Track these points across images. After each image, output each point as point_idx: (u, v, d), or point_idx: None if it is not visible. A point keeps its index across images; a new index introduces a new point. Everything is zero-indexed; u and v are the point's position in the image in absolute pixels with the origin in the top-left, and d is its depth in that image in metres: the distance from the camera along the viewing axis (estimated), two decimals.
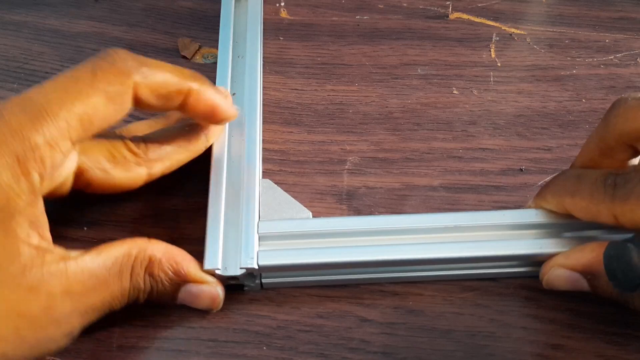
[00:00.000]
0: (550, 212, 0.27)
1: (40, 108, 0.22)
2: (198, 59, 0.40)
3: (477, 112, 0.36)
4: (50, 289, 0.22)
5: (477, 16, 0.42)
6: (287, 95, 0.37)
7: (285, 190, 0.29)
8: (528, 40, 0.40)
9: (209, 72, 0.38)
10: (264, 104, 0.36)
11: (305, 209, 0.29)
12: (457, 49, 0.40)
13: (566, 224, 0.27)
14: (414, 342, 0.26)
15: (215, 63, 0.36)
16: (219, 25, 0.38)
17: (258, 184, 0.29)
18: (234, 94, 0.33)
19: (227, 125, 0.31)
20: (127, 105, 0.24)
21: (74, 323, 0.23)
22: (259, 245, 0.27)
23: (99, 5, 0.43)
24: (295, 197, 0.29)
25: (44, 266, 0.22)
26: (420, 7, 0.43)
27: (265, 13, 0.42)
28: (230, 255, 0.26)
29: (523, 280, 0.28)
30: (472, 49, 0.40)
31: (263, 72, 0.37)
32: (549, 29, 0.41)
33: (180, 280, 0.25)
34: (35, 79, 0.38)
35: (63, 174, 0.24)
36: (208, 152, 0.30)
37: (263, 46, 0.38)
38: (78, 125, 0.22)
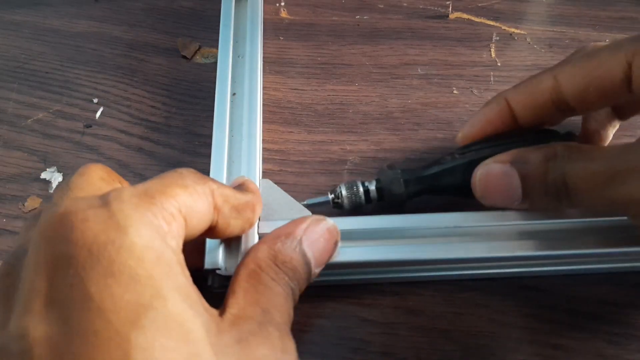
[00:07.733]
0: (548, 213, 0.27)
1: (154, 191, 0.21)
2: (198, 59, 0.40)
3: None
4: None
5: (477, 16, 0.42)
6: (287, 95, 0.37)
7: (285, 190, 0.29)
8: (528, 40, 0.40)
9: (209, 72, 0.38)
10: (264, 104, 0.36)
11: (306, 209, 0.29)
12: (457, 48, 0.40)
13: (566, 224, 0.27)
14: (414, 342, 0.26)
15: (215, 63, 0.36)
16: (219, 25, 0.37)
17: (258, 184, 0.29)
18: (234, 94, 0.33)
19: (227, 125, 0.32)
20: (211, 210, 0.23)
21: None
22: None
23: (99, 5, 0.43)
24: (295, 197, 0.29)
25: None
26: (421, 6, 0.43)
27: (265, 13, 0.42)
28: (231, 255, 0.26)
29: (523, 281, 0.28)
30: (472, 48, 0.40)
31: (263, 72, 0.37)
32: (549, 29, 0.41)
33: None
34: (35, 79, 0.38)
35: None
36: (207, 152, 0.30)
37: (263, 46, 0.38)
38: (185, 211, 0.21)
